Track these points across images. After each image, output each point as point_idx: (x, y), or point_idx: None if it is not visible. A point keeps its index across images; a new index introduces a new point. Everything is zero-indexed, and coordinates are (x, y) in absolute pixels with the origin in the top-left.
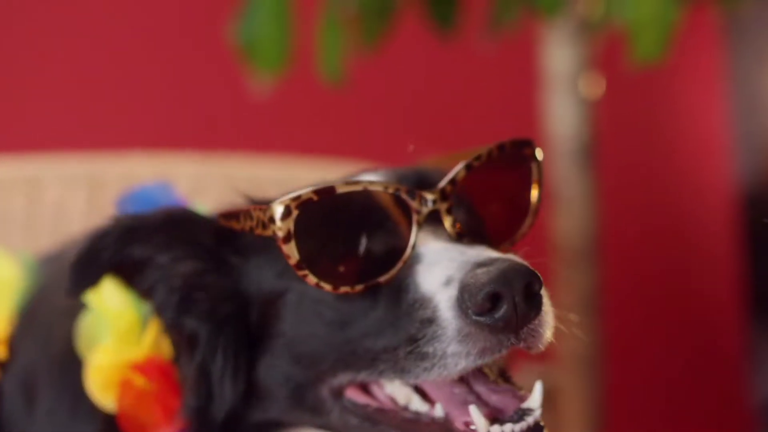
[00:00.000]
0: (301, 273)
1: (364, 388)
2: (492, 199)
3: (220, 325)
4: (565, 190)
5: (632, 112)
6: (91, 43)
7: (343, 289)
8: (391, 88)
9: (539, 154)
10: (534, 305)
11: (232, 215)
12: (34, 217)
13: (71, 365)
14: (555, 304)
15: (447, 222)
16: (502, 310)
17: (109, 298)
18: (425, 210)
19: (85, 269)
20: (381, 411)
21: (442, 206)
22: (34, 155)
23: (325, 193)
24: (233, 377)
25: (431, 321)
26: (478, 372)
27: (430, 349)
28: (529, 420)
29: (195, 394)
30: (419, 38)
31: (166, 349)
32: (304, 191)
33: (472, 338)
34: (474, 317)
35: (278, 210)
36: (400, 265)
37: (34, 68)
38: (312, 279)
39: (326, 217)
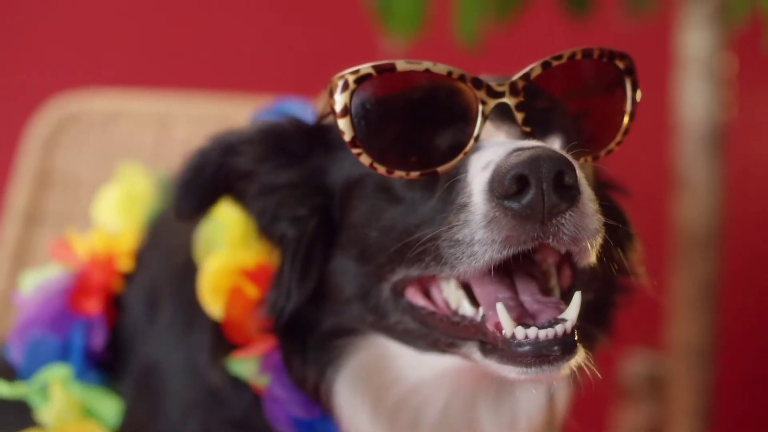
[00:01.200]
0: (355, 151)
1: (425, 292)
2: (581, 108)
3: (305, 222)
4: (691, 175)
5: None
6: None
7: (398, 173)
8: (521, 63)
9: (634, 69)
10: (566, 197)
11: (320, 116)
12: (163, 152)
13: (189, 275)
14: (671, 291)
15: (518, 118)
16: (528, 195)
17: (224, 207)
18: (492, 102)
19: (189, 185)
20: (433, 314)
21: (512, 100)
22: (165, 92)
23: (385, 69)
24: (305, 271)
25: (465, 206)
26: (529, 282)
27: (461, 236)
28: (558, 328)
29: (274, 290)
30: (553, 14)
31: (275, 258)
32: (364, 66)
33: (497, 224)
34: (500, 201)
35: (337, 83)
36: (460, 156)
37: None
38: (366, 159)
39: (384, 96)
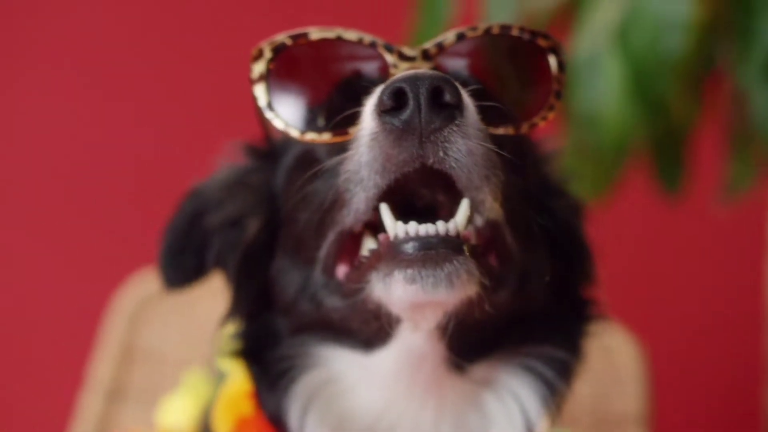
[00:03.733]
0: (269, 116)
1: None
2: (499, 83)
3: (243, 232)
4: None
5: None
6: None
7: (310, 136)
8: (614, 241)
9: (559, 48)
10: (442, 114)
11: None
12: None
13: None
14: None
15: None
16: (405, 111)
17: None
18: (403, 65)
19: (171, 249)
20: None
21: (424, 65)
22: None
23: (299, 38)
24: (246, 279)
25: (358, 137)
26: None
27: (352, 165)
28: (440, 225)
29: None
30: (642, 193)
31: None
32: (280, 35)
33: (378, 141)
34: (382, 117)
35: (254, 53)
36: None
37: None
38: (279, 123)
39: (298, 64)
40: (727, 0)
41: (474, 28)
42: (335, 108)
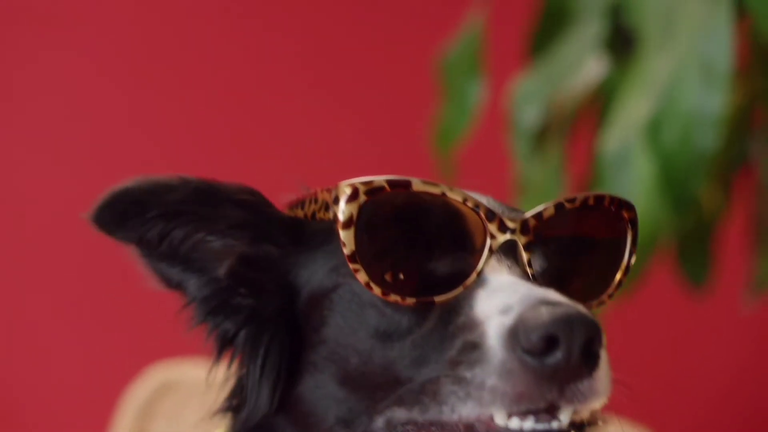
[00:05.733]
0: (353, 266)
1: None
2: (581, 254)
3: (262, 323)
4: None
5: None
6: None
7: (393, 297)
8: (631, 337)
9: (637, 222)
10: (589, 364)
11: (297, 204)
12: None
13: None
14: None
15: (523, 257)
16: (554, 356)
17: None
18: (502, 237)
19: (122, 205)
20: None
21: (522, 239)
22: None
23: (400, 186)
24: (271, 386)
25: (476, 346)
26: None
27: (469, 375)
28: (554, 425)
29: (229, 397)
30: (668, 287)
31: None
32: (378, 178)
33: (513, 377)
34: (522, 355)
35: (345, 191)
36: (460, 288)
37: None
38: (363, 276)
39: (394, 214)
40: (759, 93)
41: (572, 199)
42: (422, 269)
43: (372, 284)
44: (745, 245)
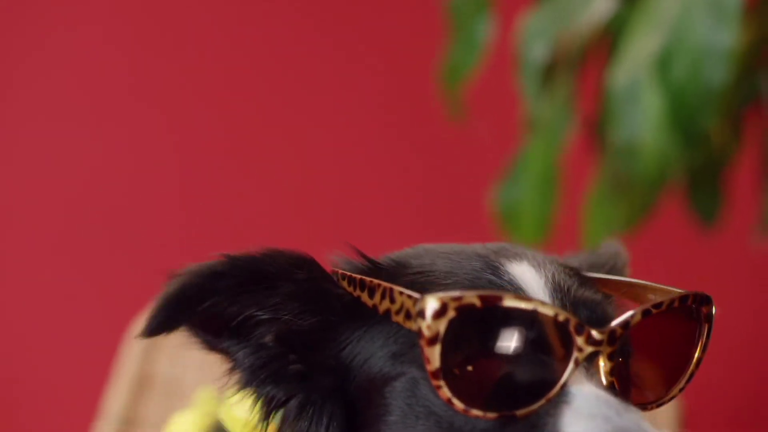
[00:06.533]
0: (435, 383)
1: None
2: (653, 352)
3: (315, 398)
4: None
5: None
6: None
7: (475, 412)
8: (644, 268)
9: (713, 316)
10: None
11: (362, 284)
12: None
13: None
14: None
15: (605, 367)
16: None
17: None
18: (588, 350)
19: (173, 310)
20: None
21: (606, 349)
22: None
23: (491, 301)
24: None
25: None
26: None
27: None
28: None
29: None
30: (678, 224)
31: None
32: (468, 293)
33: None
34: None
35: (431, 305)
36: (542, 401)
37: None
38: (445, 393)
39: (483, 330)
40: None
41: (659, 305)
42: (504, 382)
43: (454, 400)
44: (755, 182)
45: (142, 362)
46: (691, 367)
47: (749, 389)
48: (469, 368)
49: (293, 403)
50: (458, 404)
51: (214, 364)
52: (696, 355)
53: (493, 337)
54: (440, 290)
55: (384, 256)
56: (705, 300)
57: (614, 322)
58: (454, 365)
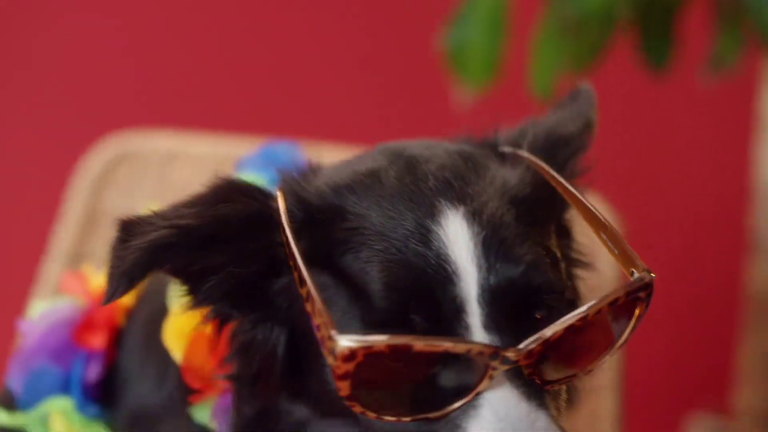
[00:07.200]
0: (348, 403)
1: None
2: (580, 336)
3: (267, 318)
4: (765, 240)
5: None
6: None
7: (388, 418)
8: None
9: (651, 296)
10: None
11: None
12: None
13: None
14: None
15: (525, 370)
16: None
17: None
18: (502, 368)
19: (127, 282)
20: None
21: (524, 361)
22: (226, 135)
23: (401, 350)
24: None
25: None
26: None
27: None
28: None
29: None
30: (628, 68)
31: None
32: (378, 341)
33: None
34: None
35: (341, 349)
36: (456, 405)
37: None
38: (358, 408)
39: (392, 364)
40: None
41: (584, 317)
42: (419, 393)
43: (368, 413)
44: (705, 23)
45: (91, 198)
46: (621, 342)
47: (696, 227)
48: (382, 393)
49: (246, 321)
50: (371, 414)
51: (164, 196)
52: (624, 337)
53: (405, 367)
54: (365, 264)
55: (332, 169)
56: (644, 287)
57: (532, 340)
58: (366, 391)
